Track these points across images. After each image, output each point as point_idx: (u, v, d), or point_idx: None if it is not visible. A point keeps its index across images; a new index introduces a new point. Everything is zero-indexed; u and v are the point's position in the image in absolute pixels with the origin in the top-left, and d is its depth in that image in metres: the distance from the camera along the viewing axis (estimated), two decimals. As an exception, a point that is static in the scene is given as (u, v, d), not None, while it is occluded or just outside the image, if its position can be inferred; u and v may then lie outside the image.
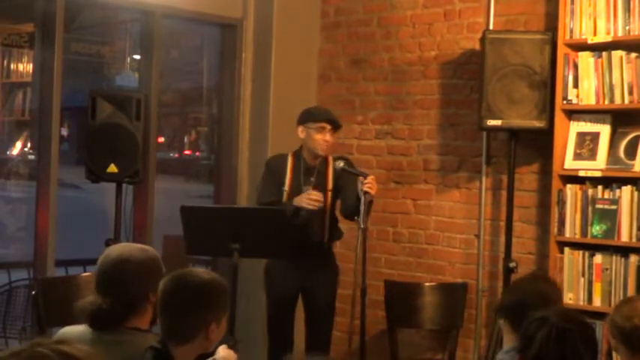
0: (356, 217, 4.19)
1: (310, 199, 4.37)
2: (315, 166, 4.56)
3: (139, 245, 2.98)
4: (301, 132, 4.54)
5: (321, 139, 4.49)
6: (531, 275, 4.34)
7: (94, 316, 2.70)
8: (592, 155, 4.40)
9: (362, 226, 4.10)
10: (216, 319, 2.59)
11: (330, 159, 4.59)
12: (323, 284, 4.59)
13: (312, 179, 4.53)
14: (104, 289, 2.73)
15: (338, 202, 4.60)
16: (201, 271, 2.70)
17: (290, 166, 4.55)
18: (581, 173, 4.36)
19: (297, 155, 4.58)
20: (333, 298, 4.67)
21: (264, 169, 4.66)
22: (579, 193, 4.36)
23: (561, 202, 4.39)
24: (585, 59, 4.37)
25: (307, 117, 4.55)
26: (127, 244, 3.18)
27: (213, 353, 2.57)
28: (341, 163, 4.42)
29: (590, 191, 4.33)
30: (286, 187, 4.52)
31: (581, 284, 4.30)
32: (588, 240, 4.32)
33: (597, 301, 4.27)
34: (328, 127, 4.50)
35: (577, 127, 4.48)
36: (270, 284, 4.66)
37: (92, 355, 1.49)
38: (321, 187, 4.51)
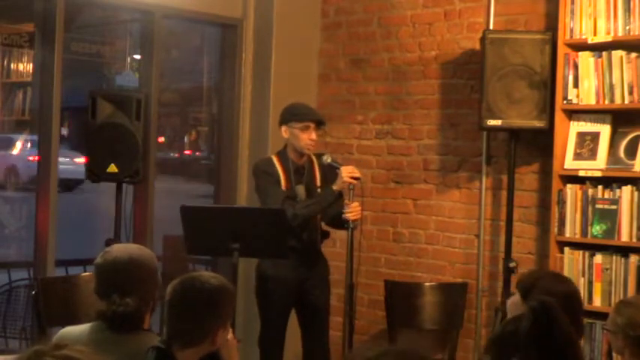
0: (346, 225, 4.22)
1: (352, 175, 4.26)
2: (303, 165, 4.51)
3: (135, 245, 3.00)
4: (285, 132, 4.44)
5: (307, 138, 4.42)
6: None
7: (119, 317, 2.68)
8: (592, 155, 4.40)
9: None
10: (223, 324, 2.60)
11: (313, 157, 4.53)
12: (319, 286, 4.56)
13: (303, 179, 4.51)
14: (123, 289, 2.70)
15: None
16: (210, 276, 2.68)
17: (280, 168, 4.47)
18: (582, 173, 4.36)
19: (282, 156, 4.50)
20: (328, 299, 4.64)
21: (259, 174, 4.51)
22: (579, 193, 4.36)
23: (561, 202, 4.39)
24: (585, 59, 4.37)
25: (290, 116, 4.45)
26: (126, 245, 3.19)
27: (216, 352, 2.59)
28: (329, 159, 4.40)
29: (590, 191, 4.33)
30: (282, 189, 4.49)
31: (581, 284, 4.30)
32: (588, 240, 4.32)
33: (597, 301, 4.26)
34: (312, 125, 4.44)
35: (577, 127, 4.48)
36: (264, 294, 4.57)
37: (92, 356, 1.49)
38: (311, 185, 4.48)
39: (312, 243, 4.53)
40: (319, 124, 4.49)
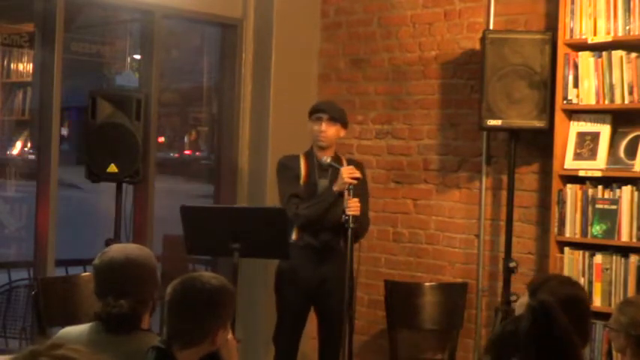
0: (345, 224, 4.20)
1: (351, 175, 4.29)
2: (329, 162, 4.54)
3: (135, 244, 3.00)
4: (308, 127, 4.59)
5: (317, 129, 4.52)
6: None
7: (114, 319, 2.68)
8: (592, 155, 4.40)
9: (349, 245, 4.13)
10: (224, 325, 2.60)
11: (343, 158, 4.61)
12: (338, 287, 4.36)
13: (327, 174, 4.52)
14: (118, 290, 2.70)
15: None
16: (211, 277, 2.67)
17: (304, 165, 4.55)
18: (582, 173, 4.36)
19: (308, 154, 4.60)
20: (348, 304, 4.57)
21: (278, 168, 4.63)
22: (579, 193, 4.36)
23: (561, 202, 4.39)
24: (585, 59, 4.37)
25: (309, 111, 4.60)
26: (125, 245, 3.18)
27: (216, 352, 2.59)
28: (328, 159, 4.44)
29: (590, 191, 4.33)
30: (301, 184, 4.51)
31: (581, 284, 4.30)
32: (588, 240, 4.32)
33: (597, 301, 4.26)
34: (324, 116, 4.52)
35: (577, 127, 4.48)
36: (282, 292, 4.60)
37: (90, 355, 1.48)
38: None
39: (333, 243, 4.48)
40: (331, 116, 4.53)
